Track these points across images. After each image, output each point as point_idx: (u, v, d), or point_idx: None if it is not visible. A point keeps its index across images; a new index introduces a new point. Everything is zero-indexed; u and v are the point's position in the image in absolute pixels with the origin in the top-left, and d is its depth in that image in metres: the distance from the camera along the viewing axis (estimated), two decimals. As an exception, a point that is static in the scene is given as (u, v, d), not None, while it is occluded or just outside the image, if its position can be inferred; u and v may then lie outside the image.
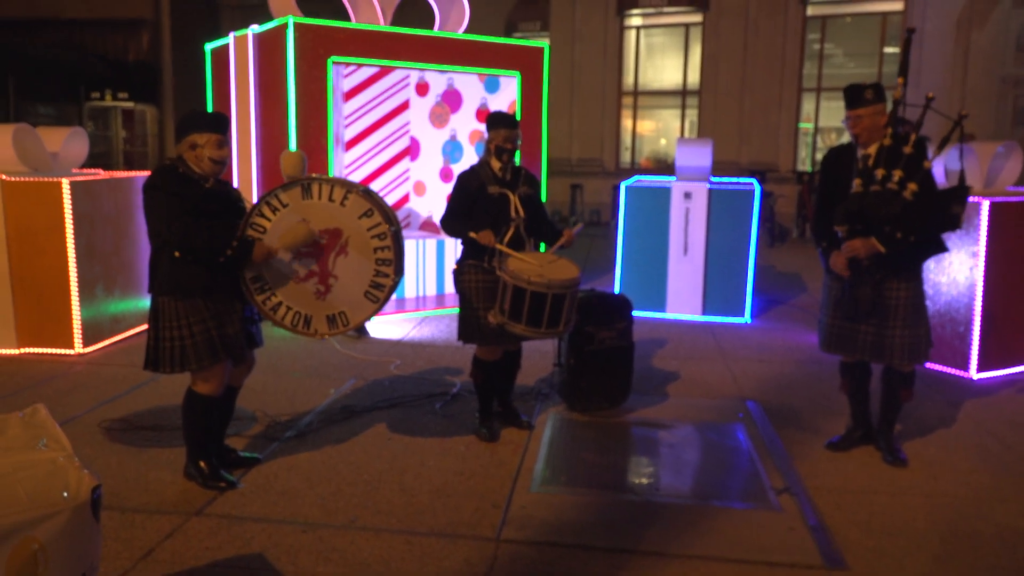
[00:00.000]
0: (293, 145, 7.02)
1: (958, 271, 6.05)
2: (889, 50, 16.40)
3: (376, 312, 4.16)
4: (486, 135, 4.73)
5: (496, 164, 4.69)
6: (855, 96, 4.15)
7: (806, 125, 17.48)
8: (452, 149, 8.91)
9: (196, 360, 3.81)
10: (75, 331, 6.29)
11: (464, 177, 4.72)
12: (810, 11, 16.84)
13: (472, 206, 4.63)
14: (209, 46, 8.65)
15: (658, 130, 19.24)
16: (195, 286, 3.80)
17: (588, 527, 3.67)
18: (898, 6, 16.11)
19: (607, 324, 5.14)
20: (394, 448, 4.55)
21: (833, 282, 4.35)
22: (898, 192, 4.00)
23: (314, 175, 4.33)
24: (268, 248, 3.87)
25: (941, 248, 4.29)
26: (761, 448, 4.65)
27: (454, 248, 8.25)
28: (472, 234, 4.49)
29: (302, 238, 3.93)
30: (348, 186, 4.05)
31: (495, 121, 4.70)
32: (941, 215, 4.02)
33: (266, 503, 3.83)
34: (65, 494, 1.99)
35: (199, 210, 3.76)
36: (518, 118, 8.11)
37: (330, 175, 7.17)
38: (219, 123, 3.86)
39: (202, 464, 4.00)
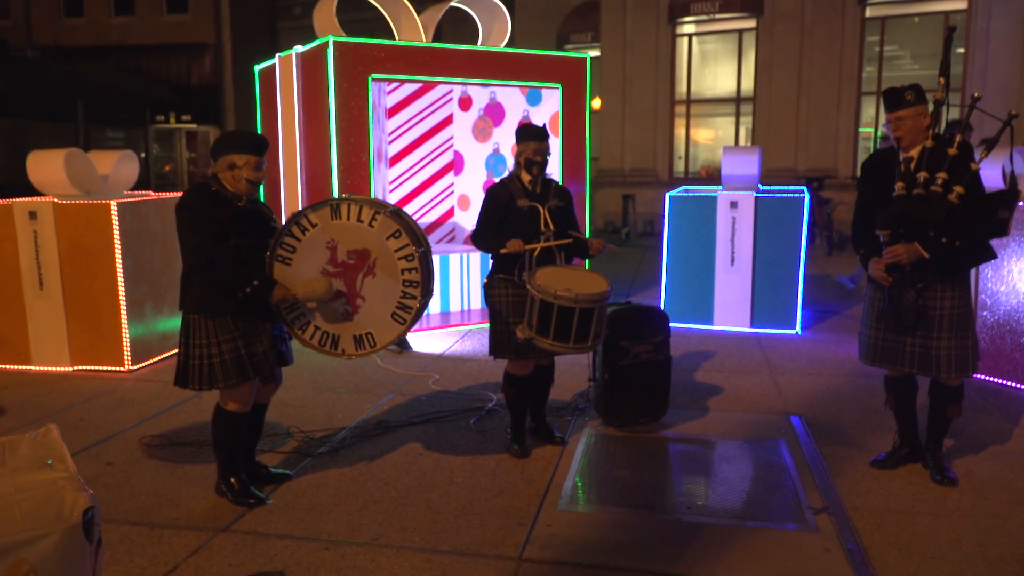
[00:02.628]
0: (335, 160, 7.08)
1: (1018, 279, 5.79)
2: (953, 49, 15.89)
3: (403, 334, 4.15)
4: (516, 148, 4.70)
5: (526, 177, 4.65)
6: (895, 99, 4.00)
7: (867, 130, 17.03)
8: (495, 163, 8.90)
9: (224, 378, 3.84)
10: (124, 349, 6.44)
11: (493, 191, 4.69)
12: (869, 12, 16.41)
13: (502, 220, 4.59)
14: (258, 67, 8.82)
15: (717, 138, 18.96)
16: (225, 305, 3.84)
17: (614, 547, 3.58)
18: (961, 5, 15.58)
19: (642, 338, 5.04)
20: (424, 464, 4.52)
21: (875, 291, 4.19)
22: (943, 195, 3.84)
23: (344, 195, 4.36)
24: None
25: (990, 255, 4.08)
26: (802, 466, 4.49)
27: (498, 262, 8.24)
28: (503, 250, 4.45)
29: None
30: (377, 206, 4.05)
31: (524, 134, 4.66)
32: (988, 220, 3.84)
33: (292, 520, 3.84)
34: (57, 516, 2.00)
35: (231, 229, 3.80)
36: (560, 130, 8.09)
37: (371, 192, 7.23)
38: (258, 145, 3.89)
39: (232, 481, 4.03)
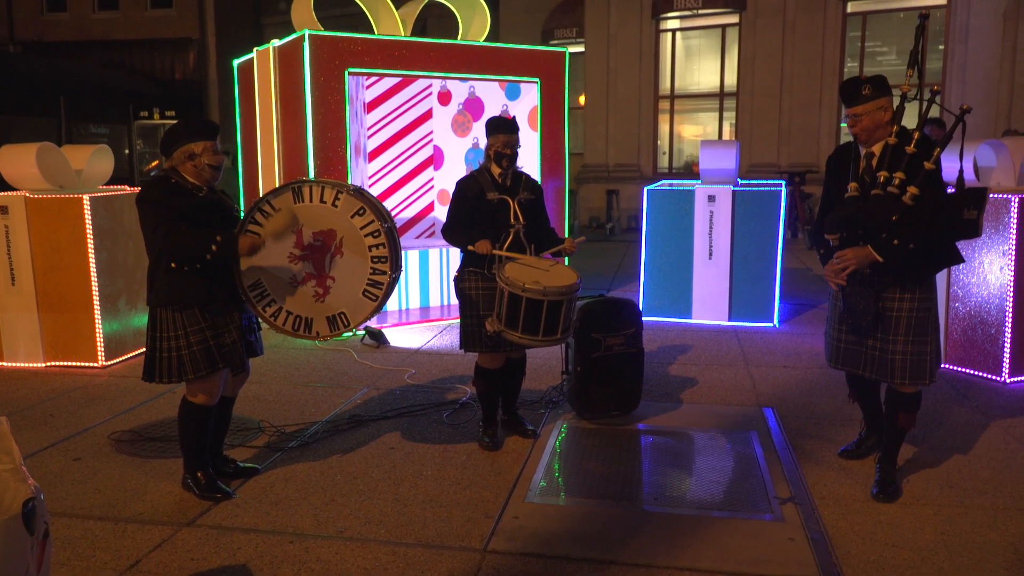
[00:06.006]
0: (311, 154, 7.06)
1: (988, 271, 5.82)
2: (933, 45, 15.94)
3: (376, 311, 4.16)
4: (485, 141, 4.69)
5: (496, 170, 4.63)
6: (852, 93, 3.80)
7: (849, 125, 17.07)
8: (475, 157, 8.89)
9: (193, 370, 3.82)
10: (98, 345, 6.40)
11: (463, 184, 4.68)
12: (850, 7, 16.45)
13: (472, 213, 4.58)
14: (236, 61, 8.78)
15: (704, 133, 18.97)
16: (192, 296, 3.82)
17: (580, 538, 3.58)
18: (941, 0, 15.66)
19: (614, 330, 5.05)
20: (394, 458, 4.52)
21: (836, 293, 4.11)
22: (898, 196, 3.67)
23: (304, 178, 4.38)
24: (253, 239, 3.86)
25: (955, 259, 3.91)
26: (772, 457, 4.51)
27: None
28: (470, 247, 4.45)
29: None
30: (339, 186, 4.08)
31: (493, 127, 4.65)
32: (951, 221, 3.71)
33: (258, 514, 3.83)
34: (-4, 507, 1.98)
35: (193, 220, 3.78)
36: (540, 125, 8.09)
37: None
38: (211, 129, 3.89)
39: (199, 475, 4.01)
